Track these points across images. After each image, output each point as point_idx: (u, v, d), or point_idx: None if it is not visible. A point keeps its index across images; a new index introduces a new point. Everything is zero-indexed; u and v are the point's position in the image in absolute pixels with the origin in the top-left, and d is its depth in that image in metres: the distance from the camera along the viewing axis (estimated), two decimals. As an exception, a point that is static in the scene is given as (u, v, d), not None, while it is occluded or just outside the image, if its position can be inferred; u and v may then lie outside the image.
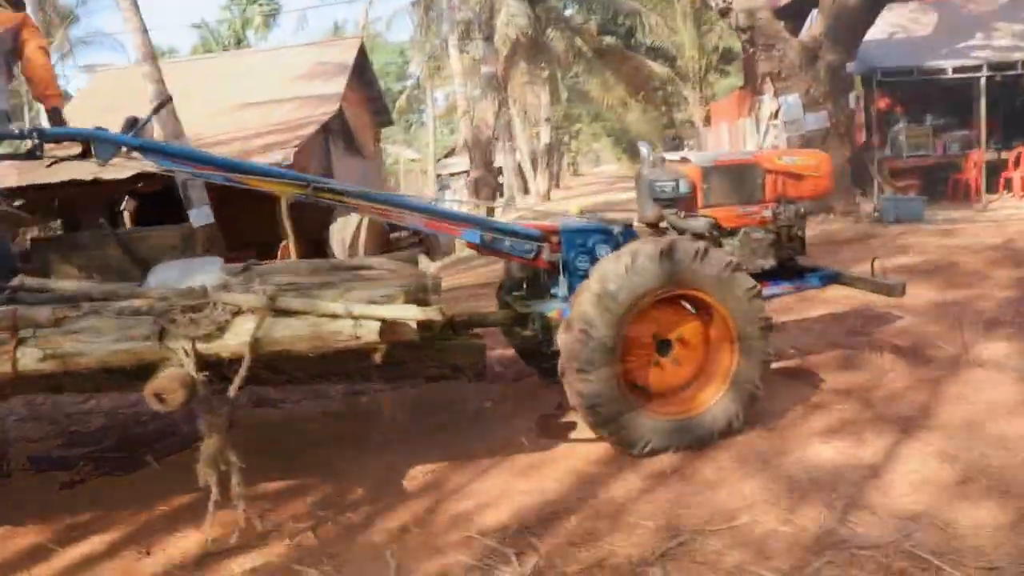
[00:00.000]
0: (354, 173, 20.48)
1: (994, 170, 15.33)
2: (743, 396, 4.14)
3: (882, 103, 17.30)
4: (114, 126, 4.25)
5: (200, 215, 12.62)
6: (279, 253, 15.77)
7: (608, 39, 26.40)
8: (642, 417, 4.04)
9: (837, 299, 6.55)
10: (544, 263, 4.53)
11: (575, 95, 32.57)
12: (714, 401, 4.13)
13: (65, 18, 30.68)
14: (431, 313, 3.52)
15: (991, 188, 15.18)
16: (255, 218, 13.92)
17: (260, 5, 34.11)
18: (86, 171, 14.10)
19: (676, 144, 19.24)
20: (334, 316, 3.53)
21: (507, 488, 3.95)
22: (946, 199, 15.18)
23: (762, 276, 4.81)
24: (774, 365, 5.29)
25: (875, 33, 15.26)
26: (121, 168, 13.58)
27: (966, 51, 15.59)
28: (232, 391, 3.49)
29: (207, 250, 4.78)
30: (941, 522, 3.23)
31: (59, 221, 17.78)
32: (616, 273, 3.90)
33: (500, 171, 27.08)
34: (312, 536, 3.62)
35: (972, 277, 7.64)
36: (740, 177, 4.71)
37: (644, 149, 4.82)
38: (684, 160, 4.78)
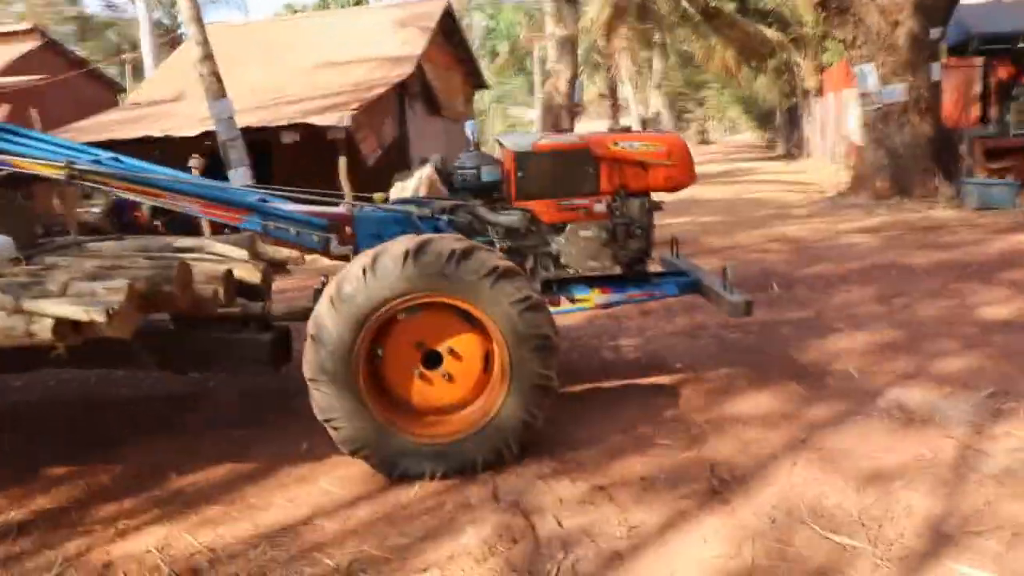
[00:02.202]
0: (434, 135, 20.25)
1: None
2: (515, 423, 3.57)
3: (1003, 73, 15.46)
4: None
5: (238, 176, 12.68)
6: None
7: (718, 1, 24.87)
8: (396, 437, 3.55)
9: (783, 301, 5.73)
10: (333, 256, 4.07)
11: (682, 60, 31.08)
12: (480, 426, 3.58)
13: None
14: (93, 314, 3.17)
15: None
16: (309, 179, 14.06)
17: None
18: (156, 128, 14.69)
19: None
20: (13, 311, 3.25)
21: (238, 502, 3.59)
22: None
23: (602, 280, 4.20)
24: (648, 379, 4.72)
25: (984, -5, 13.60)
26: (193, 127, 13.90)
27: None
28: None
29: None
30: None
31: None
32: (354, 275, 3.41)
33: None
34: None
35: (999, 290, 6.42)
36: (564, 165, 4.03)
37: (468, 129, 4.25)
38: (500, 144, 4.17)
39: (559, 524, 3.21)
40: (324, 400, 3.46)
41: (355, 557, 3.08)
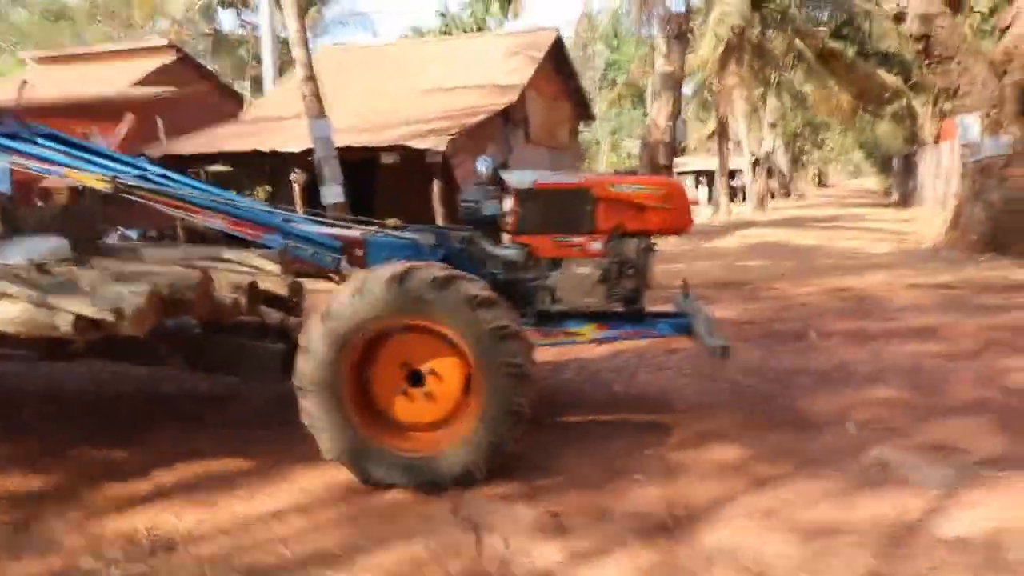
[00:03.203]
0: (536, 164, 20.60)
1: None
2: (485, 446, 3.76)
3: None
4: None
5: (330, 193, 13.26)
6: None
7: (835, 43, 24.42)
8: (373, 448, 3.81)
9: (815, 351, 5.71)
10: (342, 276, 4.37)
11: (798, 101, 30.52)
12: (452, 445, 3.80)
13: (318, -1, 33.16)
14: (104, 312, 3.56)
15: None
16: (408, 201, 14.61)
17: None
18: (265, 142, 15.56)
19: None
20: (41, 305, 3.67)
21: (227, 492, 3.92)
22: None
23: (598, 317, 4.35)
24: (647, 416, 4.83)
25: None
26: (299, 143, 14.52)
27: None
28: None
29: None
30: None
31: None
32: (344, 295, 3.70)
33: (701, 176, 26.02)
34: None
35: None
36: (562, 203, 4.23)
37: (481, 164, 4.49)
38: (504, 180, 4.39)
39: (506, 544, 3.38)
40: (309, 408, 3.75)
41: (312, 552, 3.34)
